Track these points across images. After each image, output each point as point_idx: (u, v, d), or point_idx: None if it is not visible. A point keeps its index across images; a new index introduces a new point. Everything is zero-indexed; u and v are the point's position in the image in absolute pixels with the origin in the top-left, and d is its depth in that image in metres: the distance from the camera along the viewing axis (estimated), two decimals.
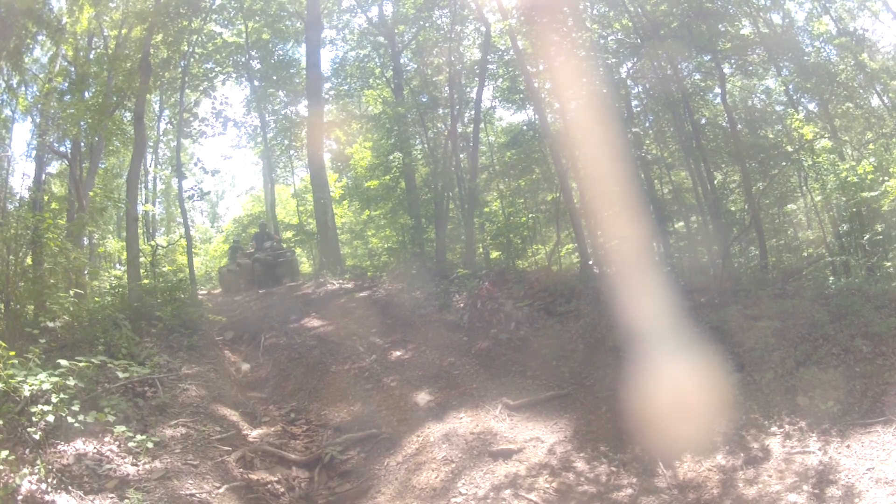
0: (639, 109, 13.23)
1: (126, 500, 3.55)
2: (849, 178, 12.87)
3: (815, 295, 6.33)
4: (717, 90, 12.13)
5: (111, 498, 3.65)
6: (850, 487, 3.44)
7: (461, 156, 15.90)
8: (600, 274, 9.27)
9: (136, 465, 4.13)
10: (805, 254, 14.16)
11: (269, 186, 25.82)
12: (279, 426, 5.56)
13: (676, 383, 4.69)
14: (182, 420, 5.05)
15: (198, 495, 3.71)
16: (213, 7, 16.45)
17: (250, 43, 19.58)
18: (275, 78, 20.21)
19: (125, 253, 11.29)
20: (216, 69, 18.50)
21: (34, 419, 3.91)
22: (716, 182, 12.08)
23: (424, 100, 15.90)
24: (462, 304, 8.73)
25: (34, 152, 14.66)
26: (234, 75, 20.05)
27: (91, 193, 13.47)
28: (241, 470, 4.43)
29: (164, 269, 10.66)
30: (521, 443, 4.10)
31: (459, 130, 16.01)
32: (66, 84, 13.85)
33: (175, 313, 8.09)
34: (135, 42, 14.50)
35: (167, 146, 20.78)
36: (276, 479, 4.50)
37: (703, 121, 12.64)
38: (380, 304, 10.00)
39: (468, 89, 16.33)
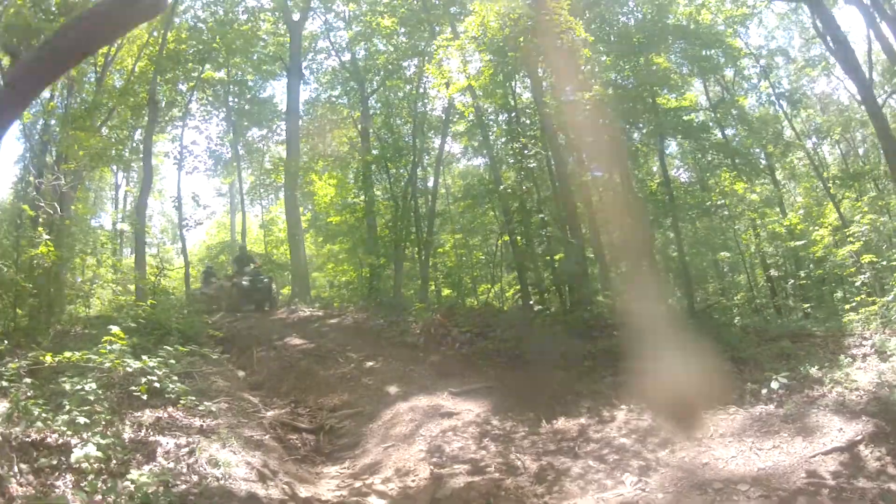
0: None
1: (213, 436, 5.63)
2: (777, 230, 15.97)
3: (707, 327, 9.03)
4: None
5: (199, 437, 5.71)
6: (668, 440, 5.79)
7: (419, 201, 18.07)
8: (535, 311, 11.68)
9: (204, 423, 6.18)
10: (737, 297, 17.02)
11: (235, 216, 27.62)
12: (287, 409, 7.70)
13: (563, 380, 7.16)
14: (221, 399, 7.13)
15: (255, 437, 5.84)
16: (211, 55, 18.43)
17: (229, 79, 21.24)
18: (248, 111, 22.18)
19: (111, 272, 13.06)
20: (204, 104, 20.46)
21: (141, 388, 5.90)
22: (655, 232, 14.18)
23: (388, 141, 17.92)
24: (418, 331, 11.02)
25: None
26: (213, 108, 21.86)
27: (73, 207, 15.36)
28: (272, 431, 6.56)
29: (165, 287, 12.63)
30: (459, 410, 6.40)
31: (420, 175, 18.24)
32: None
33: (187, 325, 10.11)
34: (138, 77, 16.61)
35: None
36: (294, 437, 6.64)
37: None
38: (350, 328, 12.17)
39: (431, 136, 18.60)
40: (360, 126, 18.56)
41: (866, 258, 9.44)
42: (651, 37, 12.92)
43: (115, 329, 5.57)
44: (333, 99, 20.31)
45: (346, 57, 19.37)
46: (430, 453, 5.32)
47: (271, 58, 20.62)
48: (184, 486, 4.25)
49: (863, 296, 9.51)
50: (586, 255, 13.26)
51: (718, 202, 14.73)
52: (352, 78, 18.86)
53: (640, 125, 13.66)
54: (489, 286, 18.46)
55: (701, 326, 9.95)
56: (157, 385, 5.69)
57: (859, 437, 5.37)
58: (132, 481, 4.18)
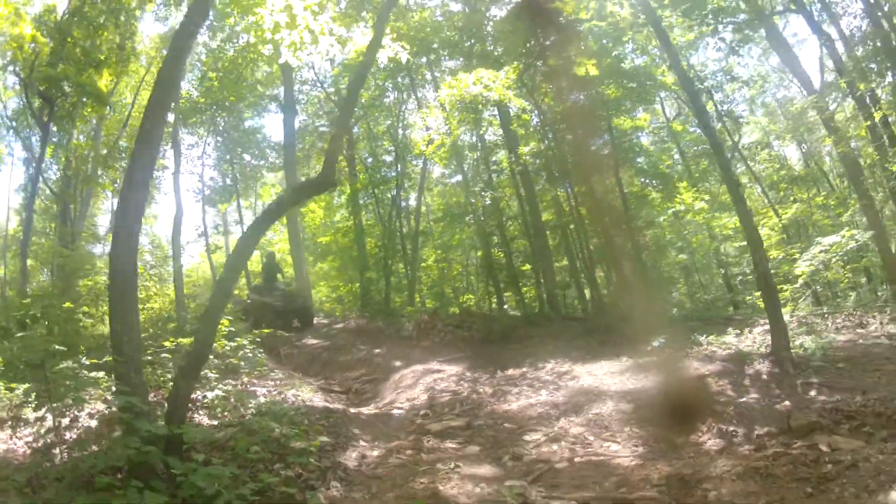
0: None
1: (287, 385, 8.69)
2: (724, 232, 19.19)
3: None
4: None
5: (278, 384, 8.74)
6: (576, 377, 8.97)
7: (403, 221, 21.00)
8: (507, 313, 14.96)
9: (273, 385, 9.23)
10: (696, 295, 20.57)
11: (228, 238, 30.30)
12: (322, 381, 10.79)
13: (515, 350, 10.41)
14: (278, 374, 10.20)
15: (313, 389, 8.94)
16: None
17: (223, 109, 23.35)
18: (241, 140, 24.57)
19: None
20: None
21: (236, 359, 8.90)
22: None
23: (372, 169, 20.18)
24: (411, 327, 14.15)
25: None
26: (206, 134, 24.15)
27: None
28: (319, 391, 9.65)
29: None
30: (444, 370, 9.57)
31: (403, 195, 20.94)
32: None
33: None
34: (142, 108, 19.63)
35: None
36: (332, 396, 9.73)
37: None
38: (354, 330, 15.22)
39: (412, 161, 21.29)
40: (346, 152, 20.63)
41: (774, 254, 12.74)
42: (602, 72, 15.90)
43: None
44: (322, 128, 22.68)
45: (331, 89, 21.75)
46: (426, 390, 8.47)
47: (267, 96, 23.18)
48: (283, 406, 7.32)
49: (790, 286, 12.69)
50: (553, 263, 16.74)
51: (671, 210, 17.91)
52: (337, 107, 20.59)
53: (600, 141, 16.81)
54: (471, 296, 21.41)
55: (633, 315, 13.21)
56: (248, 355, 8.78)
57: (706, 372, 8.55)
58: (253, 405, 7.25)
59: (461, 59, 18.30)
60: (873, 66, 13.36)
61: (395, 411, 7.58)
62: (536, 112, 17.70)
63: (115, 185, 21.38)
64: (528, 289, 18.55)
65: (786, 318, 11.06)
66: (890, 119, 13.50)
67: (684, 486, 4.06)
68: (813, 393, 7.12)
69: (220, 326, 8.67)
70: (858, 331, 10.23)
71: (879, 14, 13.02)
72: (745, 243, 17.32)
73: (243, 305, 17.98)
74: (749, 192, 25.73)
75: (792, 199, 22.83)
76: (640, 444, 5.58)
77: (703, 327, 11.44)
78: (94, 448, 4.78)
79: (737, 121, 25.22)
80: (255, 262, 26.62)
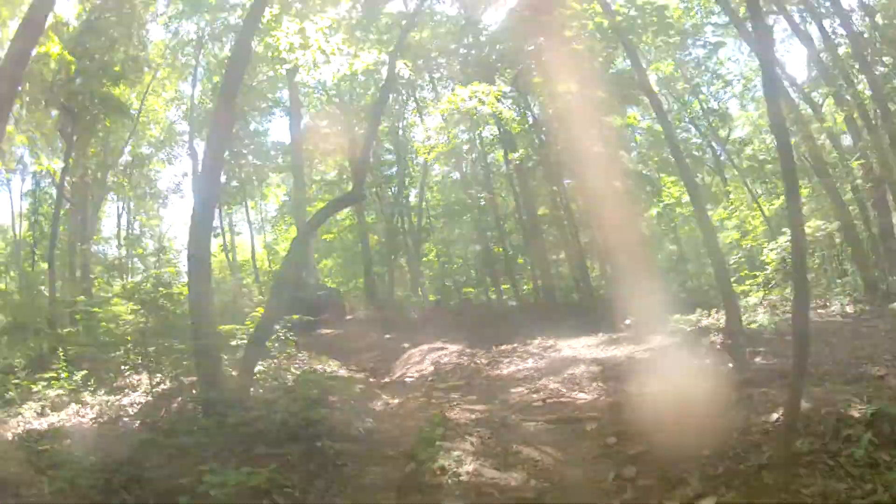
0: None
1: (316, 361, 10.27)
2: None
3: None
4: None
5: (306, 362, 10.30)
6: (559, 349, 10.57)
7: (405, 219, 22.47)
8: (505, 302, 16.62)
9: (303, 362, 10.79)
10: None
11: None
12: (340, 362, 12.37)
13: (508, 330, 12.03)
14: (304, 355, 11.78)
15: (334, 365, 10.53)
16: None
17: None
18: (247, 143, 25.69)
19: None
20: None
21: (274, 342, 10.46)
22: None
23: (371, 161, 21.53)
24: (416, 316, 15.78)
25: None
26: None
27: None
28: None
29: None
30: (447, 347, 11.17)
31: (405, 193, 22.32)
32: None
33: None
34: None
35: None
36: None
37: None
38: (364, 320, 16.86)
39: (413, 159, 22.59)
40: (348, 154, 21.65)
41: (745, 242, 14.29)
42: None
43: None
44: (325, 130, 23.88)
45: (333, 92, 22.91)
46: (432, 363, 10.08)
47: (271, 99, 24.35)
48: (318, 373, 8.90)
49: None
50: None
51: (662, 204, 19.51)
52: (339, 110, 22.32)
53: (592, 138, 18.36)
54: (471, 288, 22.92)
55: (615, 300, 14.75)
56: (282, 338, 10.36)
57: (667, 344, 10.13)
58: (292, 375, 8.83)
59: (458, 65, 19.68)
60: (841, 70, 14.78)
61: (407, 379, 9.18)
62: (529, 113, 19.25)
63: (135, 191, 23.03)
64: (526, 281, 20.12)
65: (756, 300, 12.70)
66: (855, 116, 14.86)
67: (617, 410, 5.63)
68: (758, 359, 8.65)
69: (253, 313, 10.30)
70: (820, 311, 11.78)
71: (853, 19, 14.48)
72: (731, 233, 19.05)
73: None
74: (737, 183, 27.36)
75: (778, 191, 24.25)
76: (602, 393, 7.16)
77: (682, 310, 13.00)
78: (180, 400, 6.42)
79: (723, 117, 26.75)
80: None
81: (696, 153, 26.24)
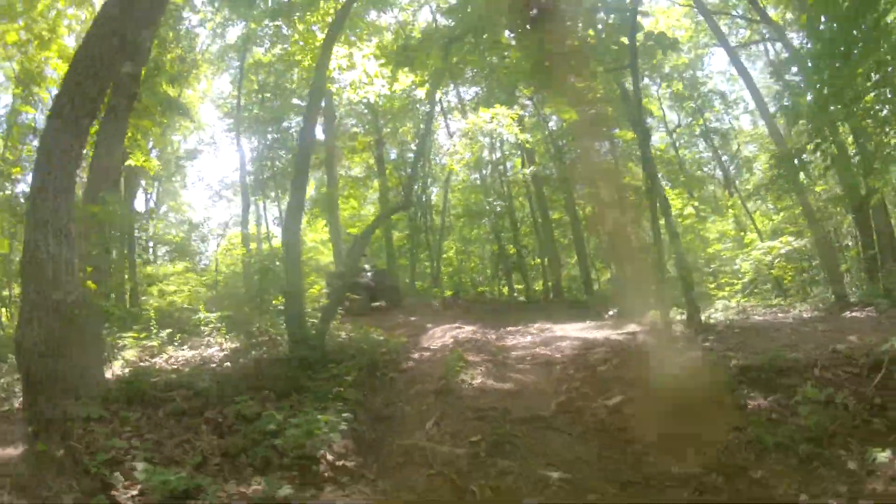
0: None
1: (359, 328, 12.94)
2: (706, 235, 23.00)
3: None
4: None
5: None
6: (552, 331, 13.14)
7: (427, 216, 25.05)
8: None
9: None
10: None
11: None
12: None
13: (515, 317, 14.66)
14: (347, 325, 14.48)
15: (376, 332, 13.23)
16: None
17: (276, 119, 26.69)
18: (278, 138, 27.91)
19: None
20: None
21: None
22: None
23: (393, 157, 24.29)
24: (437, 303, 18.45)
25: None
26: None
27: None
28: None
29: None
30: (464, 327, 13.80)
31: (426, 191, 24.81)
32: None
33: None
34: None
35: None
36: None
37: None
38: (389, 307, 19.52)
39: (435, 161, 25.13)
40: (375, 153, 24.97)
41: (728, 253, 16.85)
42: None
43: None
44: (354, 130, 26.15)
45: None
46: (452, 338, 12.71)
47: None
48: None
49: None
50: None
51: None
52: (367, 111, 24.71)
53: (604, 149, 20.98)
54: (486, 287, 25.41)
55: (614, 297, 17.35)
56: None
57: (639, 330, 12.66)
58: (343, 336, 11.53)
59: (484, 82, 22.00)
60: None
61: (432, 347, 11.85)
62: (545, 124, 21.86)
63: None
64: (538, 280, 22.74)
65: (733, 304, 15.19)
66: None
67: (583, 363, 8.26)
68: (706, 345, 11.14)
69: (311, 292, 13.05)
70: (780, 315, 14.14)
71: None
72: (730, 245, 21.55)
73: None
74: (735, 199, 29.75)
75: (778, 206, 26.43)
76: (574, 352, 9.77)
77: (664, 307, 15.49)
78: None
79: (724, 136, 29.09)
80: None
81: (706, 169, 28.85)
